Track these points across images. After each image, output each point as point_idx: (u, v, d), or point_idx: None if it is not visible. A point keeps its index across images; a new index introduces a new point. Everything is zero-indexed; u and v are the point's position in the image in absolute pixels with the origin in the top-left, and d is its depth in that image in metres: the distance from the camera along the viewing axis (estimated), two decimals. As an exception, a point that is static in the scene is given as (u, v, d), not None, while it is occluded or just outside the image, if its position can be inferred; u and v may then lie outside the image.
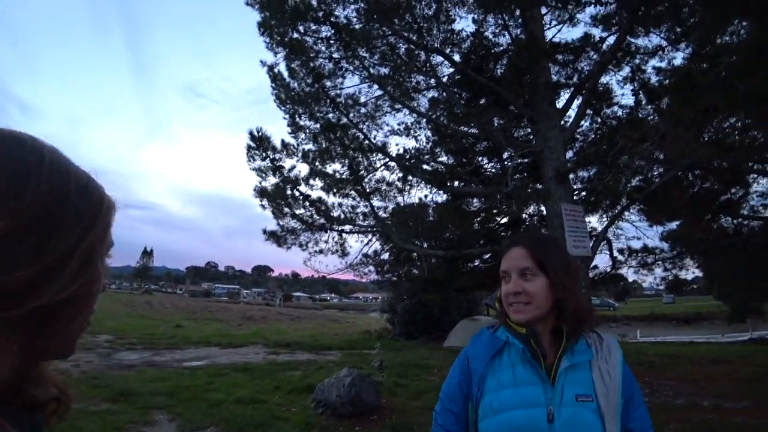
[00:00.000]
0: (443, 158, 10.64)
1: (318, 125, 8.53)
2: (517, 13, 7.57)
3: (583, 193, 9.46)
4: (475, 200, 10.50)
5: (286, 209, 8.52)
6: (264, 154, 8.05)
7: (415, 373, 8.89)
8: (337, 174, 8.12)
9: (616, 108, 9.76)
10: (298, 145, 8.41)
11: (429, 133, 10.71)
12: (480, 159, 10.77)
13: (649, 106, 8.64)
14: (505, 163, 10.64)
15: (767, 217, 10.84)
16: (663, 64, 8.26)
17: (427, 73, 9.13)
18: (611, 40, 7.89)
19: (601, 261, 11.33)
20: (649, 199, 9.04)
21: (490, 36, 8.68)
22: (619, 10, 7.58)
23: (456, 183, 9.97)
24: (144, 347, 11.69)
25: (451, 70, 9.77)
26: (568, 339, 1.08)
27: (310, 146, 8.38)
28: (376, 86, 9.04)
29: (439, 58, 8.61)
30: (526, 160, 9.39)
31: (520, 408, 1.03)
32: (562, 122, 8.51)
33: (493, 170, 10.77)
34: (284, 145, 8.51)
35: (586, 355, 1.08)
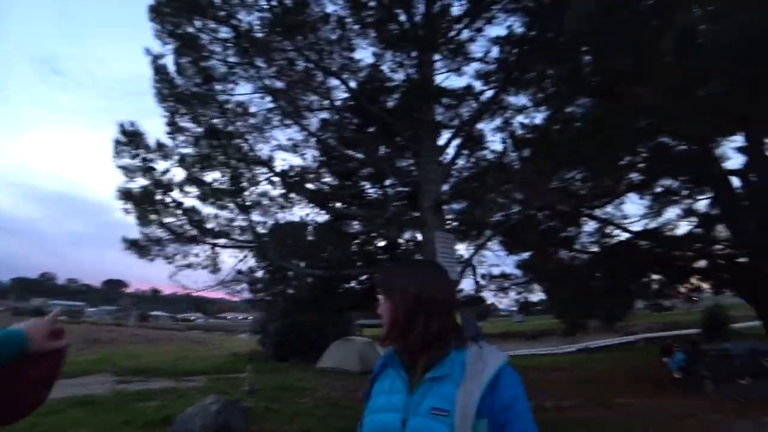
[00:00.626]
0: (327, 179, 10.75)
1: (201, 129, 7.97)
2: (414, 54, 8.16)
3: (455, 224, 10.38)
4: (355, 223, 10.76)
5: (153, 216, 7.66)
6: (135, 151, 7.13)
7: (287, 396, 8.57)
8: (216, 183, 7.56)
9: (487, 152, 11.10)
10: (175, 147, 7.67)
11: (316, 153, 10.79)
12: (362, 183, 11.14)
13: (514, 154, 9.97)
14: (386, 190, 11.20)
15: (592, 252, 13.19)
16: (527, 121, 9.64)
17: (322, 94, 9.23)
18: (489, 93, 8.96)
19: (466, 285, 12.39)
20: (508, 232, 10.38)
21: (387, 70, 9.19)
22: (498, 70, 8.72)
23: (338, 204, 10.12)
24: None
25: (346, 95, 10.07)
26: (431, 355, 1.14)
27: (189, 150, 7.68)
28: (269, 98, 8.84)
29: (336, 82, 8.80)
30: (405, 189, 9.99)
31: (384, 412, 1.15)
32: (441, 158, 9.33)
33: (374, 195, 11.21)
34: (159, 145, 7.67)
35: (447, 369, 1.11)
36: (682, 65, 3.45)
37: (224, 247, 8.31)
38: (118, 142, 7.13)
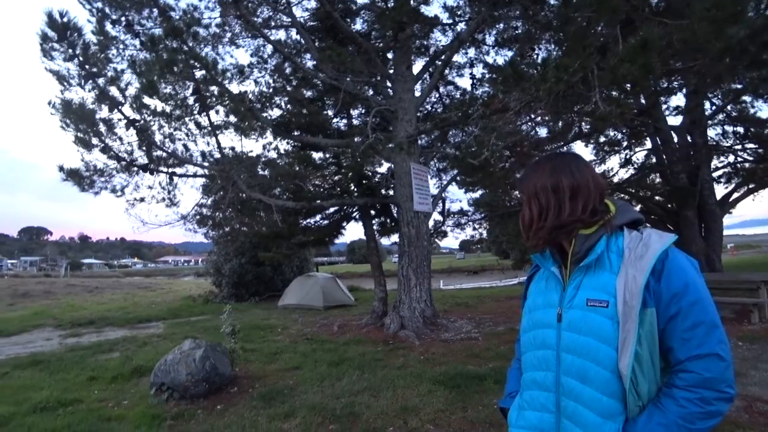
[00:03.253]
0: (287, 106, 10.01)
1: (137, 40, 6.76)
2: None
3: (421, 159, 10.24)
4: (320, 153, 10.26)
5: (96, 140, 6.62)
6: (71, 51, 5.63)
7: (259, 335, 8.32)
8: (177, 98, 6.15)
9: (457, 85, 10.91)
10: (123, 48, 6.40)
11: (269, 79, 9.92)
12: (326, 112, 10.53)
13: (483, 90, 9.83)
14: (351, 120, 10.70)
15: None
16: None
17: (281, 9, 8.30)
18: (463, 26, 8.50)
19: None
20: (470, 169, 10.41)
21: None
22: (471, 3, 8.26)
23: (301, 134, 9.52)
24: None
25: (305, 14, 9.16)
26: (579, 244, 1.10)
27: (141, 55, 6.30)
28: (218, 9, 7.80)
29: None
30: (374, 119, 9.56)
31: (539, 309, 1.16)
32: (416, 87, 8.93)
33: (339, 125, 10.69)
34: (102, 45, 6.27)
35: (593, 257, 1.06)
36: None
37: (183, 176, 7.49)
38: (46, 38, 5.55)
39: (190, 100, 6.06)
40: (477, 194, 13.77)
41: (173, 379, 4.68)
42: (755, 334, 6.25)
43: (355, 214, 9.95)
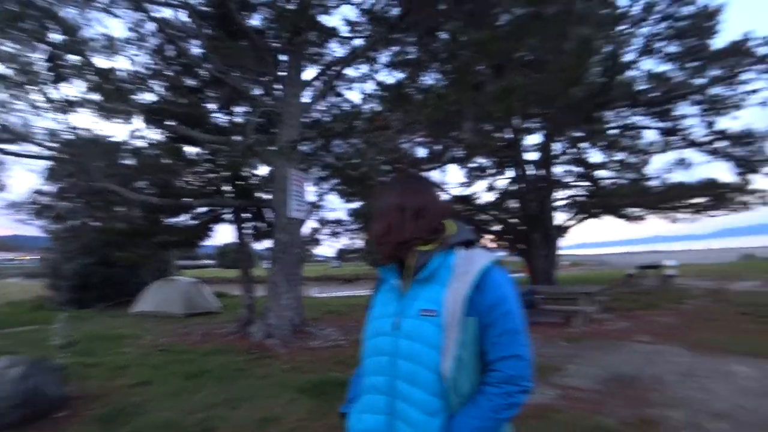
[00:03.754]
0: (165, 92, 9.06)
1: None
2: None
3: (302, 165, 10.13)
4: (194, 148, 9.48)
5: None
6: None
7: (104, 347, 7.24)
8: (21, 61, 5.07)
9: (346, 98, 11.10)
10: None
11: (148, 59, 8.92)
12: (206, 105, 9.83)
13: (370, 106, 10.16)
14: (233, 117, 10.16)
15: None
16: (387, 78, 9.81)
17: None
18: (361, 41, 8.71)
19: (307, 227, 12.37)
20: (349, 180, 10.65)
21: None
22: (371, 22, 8.54)
23: (175, 124, 8.67)
24: None
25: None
26: (417, 260, 1.20)
27: None
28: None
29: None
30: (259, 119, 9.19)
31: (380, 318, 1.25)
32: (303, 93, 8.85)
33: (219, 121, 10.04)
34: None
35: (431, 270, 1.18)
36: (578, 65, 4.01)
37: (19, 156, 6.20)
38: None
39: (41, 67, 5.09)
40: (355, 205, 14.11)
41: (-21, 408, 3.80)
42: (575, 336, 7.42)
43: (227, 216, 9.38)
